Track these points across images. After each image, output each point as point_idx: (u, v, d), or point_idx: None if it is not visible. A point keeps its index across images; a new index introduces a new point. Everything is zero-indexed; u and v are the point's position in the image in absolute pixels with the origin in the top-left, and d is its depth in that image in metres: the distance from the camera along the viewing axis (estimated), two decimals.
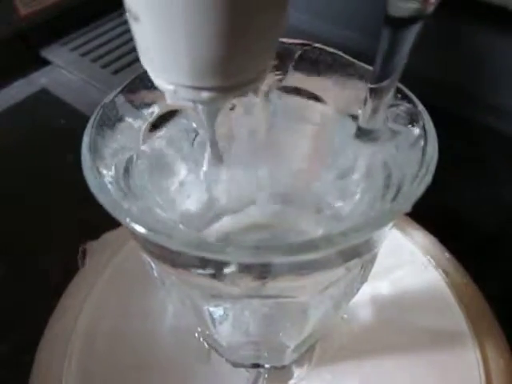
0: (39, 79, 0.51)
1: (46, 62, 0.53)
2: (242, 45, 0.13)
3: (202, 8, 0.11)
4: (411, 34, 0.14)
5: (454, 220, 0.34)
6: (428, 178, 0.14)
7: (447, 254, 0.29)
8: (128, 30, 0.14)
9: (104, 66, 0.51)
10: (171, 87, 0.14)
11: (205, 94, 0.13)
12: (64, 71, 0.52)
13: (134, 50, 0.14)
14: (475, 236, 0.34)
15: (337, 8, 0.50)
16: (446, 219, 0.34)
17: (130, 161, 0.17)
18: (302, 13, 0.51)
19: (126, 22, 0.14)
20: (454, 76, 0.44)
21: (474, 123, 0.42)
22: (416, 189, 0.14)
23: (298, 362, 0.24)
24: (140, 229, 0.13)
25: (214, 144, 0.17)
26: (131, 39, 0.14)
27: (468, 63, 0.44)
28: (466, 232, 0.34)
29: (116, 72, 0.50)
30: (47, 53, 0.53)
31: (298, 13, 0.51)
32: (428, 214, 0.28)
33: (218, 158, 0.17)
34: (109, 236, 0.30)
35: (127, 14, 0.13)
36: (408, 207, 0.13)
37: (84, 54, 0.53)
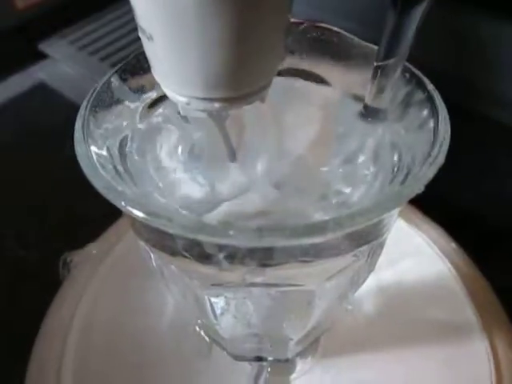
0: (37, 73, 0.50)
1: (44, 56, 0.52)
2: (250, 59, 0.13)
3: (214, 28, 0.12)
4: (418, 14, 0.13)
5: (460, 211, 0.34)
6: (440, 159, 0.13)
7: (454, 245, 0.29)
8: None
9: (103, 59, 0.50)
10: (184, 99, 0.14)
11: (216, 105, 0.14)
12: (62, 65, 0.51)
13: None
14: (482, 227, 0.33)
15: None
16: (451, 210, 0.33)
17: (125, 143, 0.16)
18: (301, 4, 0.50)
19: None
20: (457, 67, 0.43)
21: (478, 115, 0.41)
22: (428, 170, 0.13)
23: (302, 354, 0.24)
24: (137, 212, 0.12)
25: (228, 145, 0.17)
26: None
27: (471, 53, 0.43)
28: (472, 223, 0.33)
29: (115, 65, 0.49)
30: (45, 46, 0.53)
31: (298, 5, 0.50)
32: (433, 205, 0.28)
33: (232, 157, 0.18)
34: (108, 233, 0.30)
35: (140, 32, 0.13)
36: (420, 189, 0.13)
37: (82, 47, 0.52)
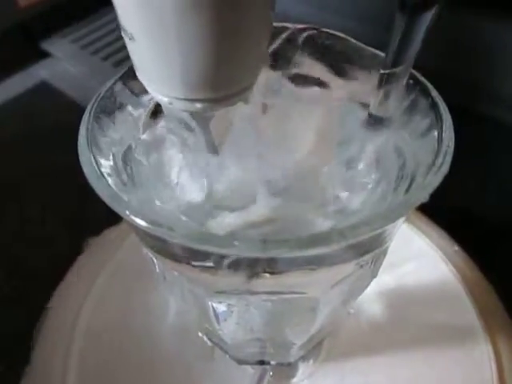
0: (39, 72, 0.50)
1: (45, 55, 0.52)
2: (231, 60, 0.14)
3: (194, 28, 0.12)
4: (426, 20, 0.13)
5: (462, 213, 0.34)
6: (445, 168, 0.13)
7: (456, 247, 0.29)
8: None
9: (105, 58, 0.50)
10: (166, 99, 0.14)
11: (198, 105, 0.14)
12: (64, 63, 0.51)
13: None
14: (484, 229, 0.33)
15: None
16: (454, 212, 0.33)
17: (129, 150, 0.16)
18: (302, 4, 0.50)
19: None
20: (458, 66, 0.43)
21: (480, 116, 0.41)
22: (433, 179, 0.13)
23: (305, 358, 0.24)
24: (140, 222, 0.12)
25: (210, 147, 0.17)
26: None
27: (471, 52, 0.43)
28: (474, 225, 0.33)
29: (117, 64, 0.49)
30: (47, 45, 0.52)
31: (299, 4, 0.50)
32: (435, 208, 0.27)
33: (214, 151, 0.18)
34: (110, 231, 0.30)
35: (122, 32, 0.13)
36: (425, 197, 0.13)
37: (84, 46, 0.52)
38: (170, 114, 0.16)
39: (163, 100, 0.15)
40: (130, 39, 0.13)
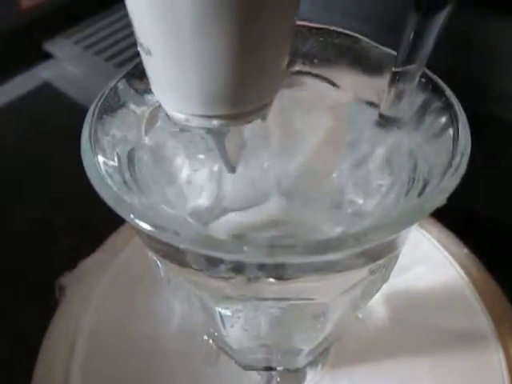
0: (42, 73, 0.50)
1: (48, 56, 0.52)
2: (250, 77, 0.13)
3: (213, 44, 0.12)
4: (441, 18, 0.13)
5: (471, 215, 0.33)
6: (462, 169, 0.13)
7: (466, 250, 0.28)
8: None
9: (108, 59, 0.50)
10: (182, 116, 0.14)
11: (215, 122, 0.14)
12: (67, 65, 0.51)
13: None
14: (494, 231, 0.32)
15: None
16: (462, 215, 0.32)
17: (133, 152, 0.15)
18: (306, 3, 0.50)
19: None
20: (466, 67, 0.42)
21: (485, 114, 0.41)
22: (450, 181, 0.12)
23: (312, 364, 0.23)
24: (145, 225, 0.12)
25: (225, 160, 0.17)
26: None
27: (481, 55, 0.42)
28: (484, 227, 0.32)
29: (120, 65, 0.49)
30: (50, 46, 0.52)
31: (303, 4, 0.50)
32: (444, 210, 0.27)
33: (231, 170, 0.17)
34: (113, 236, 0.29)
35: (138, 46, 0.13)
36: (442, 201, 0.12)
37: (87, 47, 0.52)
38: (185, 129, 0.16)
39: (179, 117, 0.14)
40: (146, 54, 0.13)
